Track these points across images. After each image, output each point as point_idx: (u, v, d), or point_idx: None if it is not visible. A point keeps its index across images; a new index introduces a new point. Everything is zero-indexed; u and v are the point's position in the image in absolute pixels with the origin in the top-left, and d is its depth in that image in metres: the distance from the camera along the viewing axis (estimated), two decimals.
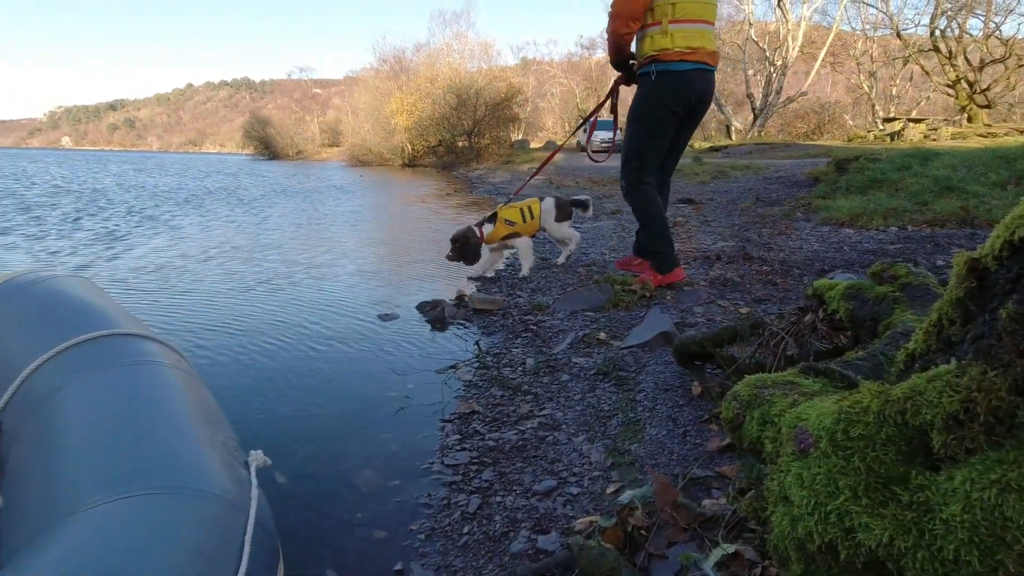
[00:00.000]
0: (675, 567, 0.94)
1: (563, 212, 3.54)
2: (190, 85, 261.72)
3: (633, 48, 2.70)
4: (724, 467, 1.32)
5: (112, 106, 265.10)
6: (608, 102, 3.08)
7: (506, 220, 3.34)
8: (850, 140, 17.15)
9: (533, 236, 3.53)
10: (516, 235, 3.40)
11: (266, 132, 43.41)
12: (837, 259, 3.43)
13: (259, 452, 0.98)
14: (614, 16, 2.53)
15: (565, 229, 3.59)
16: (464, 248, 3.21)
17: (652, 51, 2.54)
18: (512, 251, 3.75)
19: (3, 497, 0.93)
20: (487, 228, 3.32)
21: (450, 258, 3.24)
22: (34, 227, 5.90)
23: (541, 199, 3.54)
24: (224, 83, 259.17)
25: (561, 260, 3.65)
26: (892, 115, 18.80)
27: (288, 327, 2.64)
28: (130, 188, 11.67)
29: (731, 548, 0.84)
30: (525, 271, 3.42)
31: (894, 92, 27.31)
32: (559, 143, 22.55)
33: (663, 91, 2.58)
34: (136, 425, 0.90)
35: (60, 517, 0.73)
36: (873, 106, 25.95)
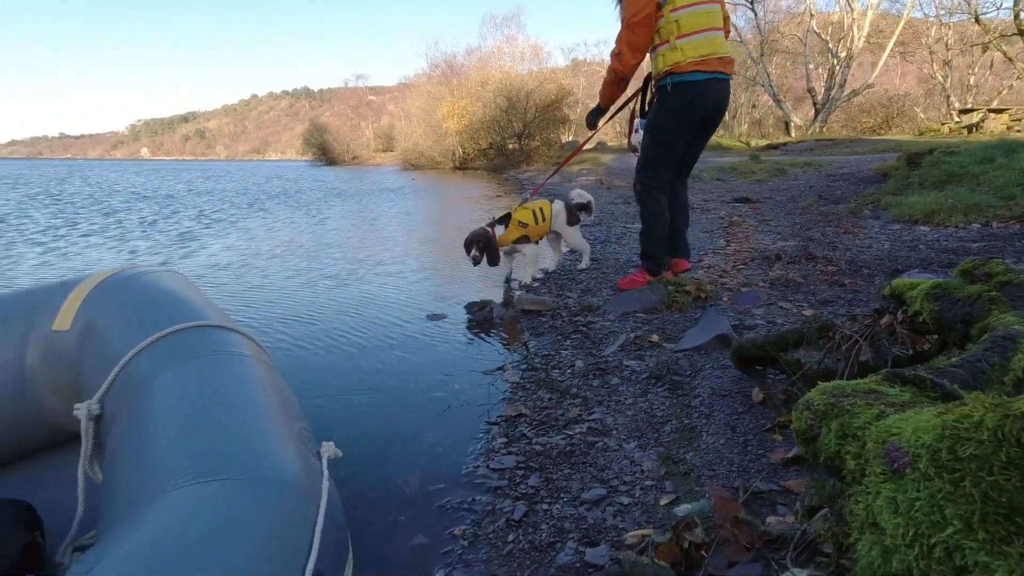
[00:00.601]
0: None
1: (573, 215, 3.53)
2: (254, 96, 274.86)
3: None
4: (790, 481, 1.21)
5: (184, 118, 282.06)
6: (635, 104, 3.02)
7: (520, 222, 3.26)
8: (921, 134, 16.06)
9: (540, 239, 3.45)
10: (526, 238, 3.32)
11: (324, 139, 44.80)
12: (912, 258, 3.19)
13: (331, 443, 1.02)
14: (624, 52, 2.59)
15: (576, 233, 3.56)
16: (488, 249, 3.13)
17: (666, 66, 2.60)
18: (561, 250, 3.70)
19: (103, 474, 1.02)
20: (499, 230, 3.23)
21: (476, 261, 3.13)
22: (116, 229, 6.34)
23: (551, 201, 3.46)
24: (285, 93, 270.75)
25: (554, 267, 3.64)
26: (970, 106, 17.48)
27: (340, 324, 2.68)
28: (200, 193, 12.33)
29: (802, 573, 0.76)
30: (527, 279, 3.34)
31: (972, 81, 25.37)
32: (609, 143, 22.27)
33: (678, 103, 2.63)
34: (219, 413, 0.95)
35: (146, 499, 0.78)
36: (948, 97, 24.21)
